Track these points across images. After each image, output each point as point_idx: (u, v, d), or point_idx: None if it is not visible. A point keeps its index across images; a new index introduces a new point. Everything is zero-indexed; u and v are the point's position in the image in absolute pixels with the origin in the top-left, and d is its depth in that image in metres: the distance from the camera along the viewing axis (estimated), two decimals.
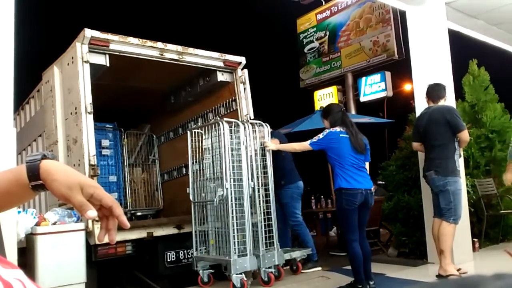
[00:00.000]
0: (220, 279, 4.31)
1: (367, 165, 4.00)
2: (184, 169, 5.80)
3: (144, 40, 4.35)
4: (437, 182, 4.07)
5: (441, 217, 4.04)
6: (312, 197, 8.33)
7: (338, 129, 3.89)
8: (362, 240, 3.88)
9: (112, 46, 4.15)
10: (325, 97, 12.14)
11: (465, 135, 4.12)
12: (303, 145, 4.15)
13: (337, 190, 3.82)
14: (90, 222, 3.58)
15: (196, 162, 4.48)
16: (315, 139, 3.97)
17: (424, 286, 0.34)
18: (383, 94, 11.40)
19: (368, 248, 3.96)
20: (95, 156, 3.90)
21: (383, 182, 6.65)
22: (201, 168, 4.44)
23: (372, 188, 3.93)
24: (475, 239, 5.10)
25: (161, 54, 4.49)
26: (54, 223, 3.63)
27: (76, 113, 3.99)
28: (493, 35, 6.69)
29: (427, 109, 4.32)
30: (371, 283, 3.83)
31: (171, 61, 4.60)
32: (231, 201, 4.02)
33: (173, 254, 4.52)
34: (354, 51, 11.47)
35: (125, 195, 6.46)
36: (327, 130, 3.96)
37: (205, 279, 4.27)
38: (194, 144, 4.49)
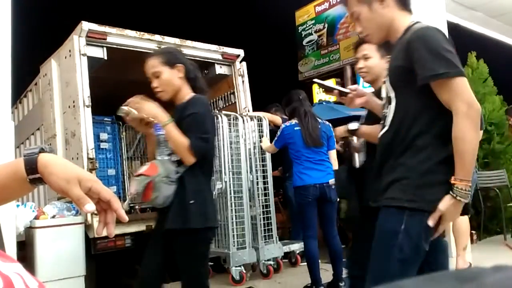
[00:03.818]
0: (219, 272, 4.33)
1: (332, 153, 3.78)
2: None
3: (142, 33, 4.33)
4: (473, 176, 4.05)
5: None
6: None
7: (293, 121, 3.69)
8: (331, 239, 3.68)
9: (109, 39, 4.13)
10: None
11: (481, 133, 4.20)
12: (271, 146, 3.99)
13: (294, 187, 3.68)
14: (89, 215, 3.58)
15: None
16: (276, 137, 3.82)
17: (423, 278, 0.34)
18: None
19: (338, 247, 3.69)
20: (94, 150, 3.90)
21: None
22: None
23: (330, 181, 3.55)
24: (473, 232, 5.12)
25: (159, 47, 4.46)
26: (53, 217, 3.64)
27: (74, 106, 3.98)
28: (492, 27, 6.68)
29: None
30: (342, 284, 3.61)
31: None
32: (230, 194, 4.03)
33: None
34: (353, 44, 11.43)
35: (124, 188, 6.46)
36: (282, 126, 3.79)
37: None
38: None
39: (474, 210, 5.48)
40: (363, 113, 2.47)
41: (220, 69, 5.02)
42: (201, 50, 4.79)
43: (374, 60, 2.43)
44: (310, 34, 12.69)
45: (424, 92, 1.54)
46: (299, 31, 12.96)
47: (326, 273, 3.85)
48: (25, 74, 4.99)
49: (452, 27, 5.46)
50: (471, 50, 6.22)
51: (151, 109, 2.10)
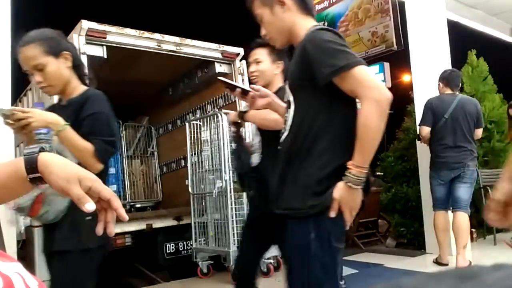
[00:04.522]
0: (219, 270, 4.33)
1: None
2: (183, 161, 5.80)
3: (142, 32, 4.33)
4: (475, 174, 4.11)
5: (461, 209, 3.99)
6: None
7: None
8: None
9: (109, 38, 4.12)
10: None
11: (481, 131, 4.20)
12: None
13: None
14: None
15: (195, 154, 4.48)
16: None
17: (423, 277, 0.34)
18: None
19: None
20: None
21: (382, 173, 6.67)
22: (200, 160, 4.44)
23: None
24: (473, 230, 5.12)
25: (159, 46, 4.47)
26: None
27: None
28: (492, 25, 6.68)
29: (453, 95, 4.13)
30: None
31: (169, 53, 4.58)
32: (230, 192, 4.03)
33: (172, 246, 4.54)
34: (353, 42, 11.37)
35: (124, 187, 6.47)
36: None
37: (205, 270, 4.29)
38: (192, 136, 4.49)
39: (475, 208, 5.48)
40: None
41: (220, 68, 5.02)
42: (200, 49, 4.79)
43: (265, 65, 2.45)
44: None
45: (320, 96, 1.52)
46: None
47: None
48: (25, 73, 4.99)
49: (452, 25, 5.46)
50: (471, 48, 6.21)
51: (43, 117, 1.70)
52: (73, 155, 1.70)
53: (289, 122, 1.61)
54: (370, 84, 1.43)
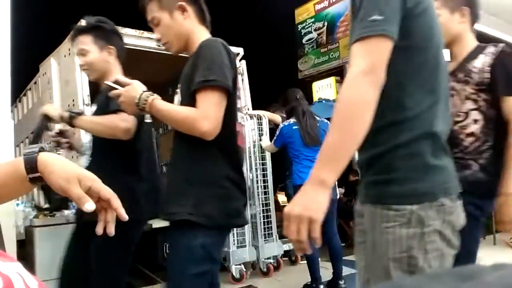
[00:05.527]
0: (219, 270, 4.33)
1: None
2: None
3: (141, 32, 4.33)
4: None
5: None
6: None
7: (292, 120, 3.70)
8: (331, 237, 3.71)
9: None
10: (323, 88, 12.12)
11: None
12: (270, 145, 4.00)
13: (293, 186, 3.66)
14: None
15: None
16: (275, 136, 3.85)
17: (423, 277, 0.34)
18: None
19: (338, 245, 3.75)
20: None
21: None
22: None
23: None
24: None
25: (159, 46, 4.43)
26: (53, 215, 3.63)
27: (73, 105, 3.98)
28: (491, 25, 6.68)
29: None
30: (341, 282, 3.70)
31: (169, 53, 4.58)
32: None
33: None
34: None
35: None
36: (281, 125, 3.81)
37: None
38: None
39: None
40: None
41: None
42: None
43: (93, 54, 2.12)
44: (310, 32, 12.67)
45: None
46: (299, 29, 12.95)
47: (326, 271, 3.86)
48: (24, 73, 4.99)
49: None
50: None
51: None
52: None
53: None
54: (210, 114, 1.45)
